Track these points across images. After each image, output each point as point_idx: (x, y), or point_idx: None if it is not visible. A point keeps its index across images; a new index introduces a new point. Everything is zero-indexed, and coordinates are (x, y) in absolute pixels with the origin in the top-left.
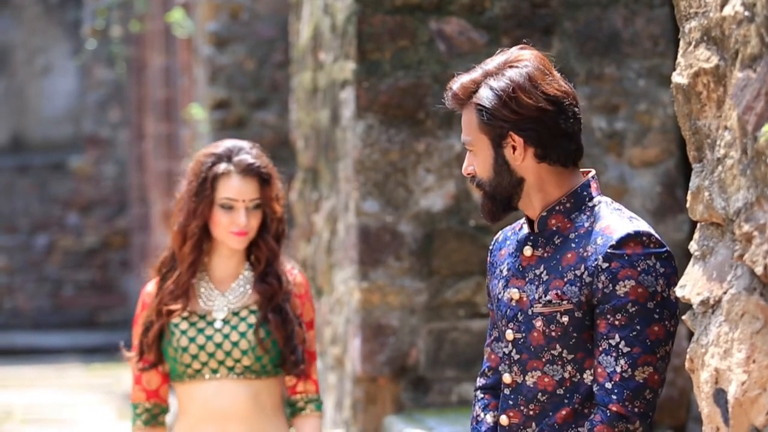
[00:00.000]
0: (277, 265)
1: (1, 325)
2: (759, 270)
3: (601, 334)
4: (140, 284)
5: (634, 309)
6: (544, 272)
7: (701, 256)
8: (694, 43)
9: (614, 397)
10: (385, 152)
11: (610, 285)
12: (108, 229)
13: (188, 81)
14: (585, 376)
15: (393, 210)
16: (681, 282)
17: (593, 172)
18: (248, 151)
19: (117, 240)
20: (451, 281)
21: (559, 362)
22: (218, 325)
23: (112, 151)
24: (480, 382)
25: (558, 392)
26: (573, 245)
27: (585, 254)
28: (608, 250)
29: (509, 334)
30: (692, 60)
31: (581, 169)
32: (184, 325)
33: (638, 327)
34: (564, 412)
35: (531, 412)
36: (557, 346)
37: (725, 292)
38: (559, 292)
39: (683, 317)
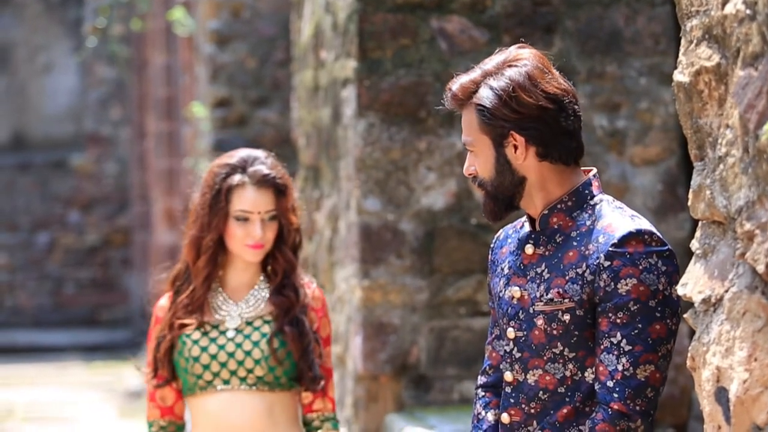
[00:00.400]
0: (294, 277)
1: (2, 323)
2: (761, 268)
3: (602, 332)
4: (141, 282)
5: (635, 307)
6: (546, 270)
7: (703, 255)
8: (695, 41)
9: (616, 395)
10: (387, 150)
11: (612, 283)
12: (109, 227)
13: (189, 79)
14: (586, 374)
15: (394, 208)
16: (682, 280)
17: (594, 170)
18: (263, 161)
19: (118, 238)
20: (452, 279)
21: (561, 360)
22: (231, 334)
23: (113, 149)
24: (481, 380)
25: (559, 390)
26: (574, 243)
27: (586, 252)
28: (610, 249)
29: (510, 333)
30: (694, 58)
31: (582, 168)
32: (196, 335)
33: (640, 325)
34: (565, 411)
35: (532, 411)
36: (558, 344)
37: (727, 291)
38: (560, 290)
39: (685, 315)
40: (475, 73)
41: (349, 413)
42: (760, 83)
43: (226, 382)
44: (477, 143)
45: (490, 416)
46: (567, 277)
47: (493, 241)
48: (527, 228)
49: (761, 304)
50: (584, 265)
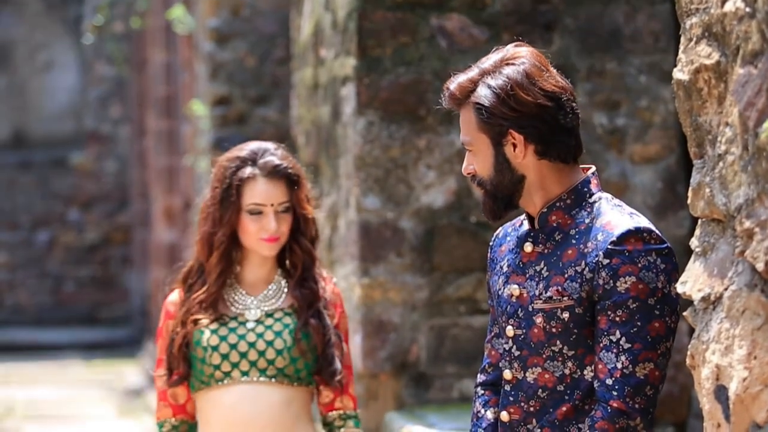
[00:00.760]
0: (314, 270)
1: (2, 321)
2: (760, 266)
3: (601, 330)
4: (141, 280)
5: (634, 305)
6: (545, 268)
7: (702, 253)
8: (695, 39)
9: (615, 393)
10: (386, 148)
11: (611, 281)
12: (109, 225)
13: (189, 77)
14: (585, 372)
15: (394, 206)
16: (682, 278)
17: (593, 168)
18: (273, 153)
19: (118, 236)
20: (452, 277)
21: (560, 358)
22: (251, 325)
23: (113, 147)
24: (480, 378)
25: (558, 388)
26: (573, 241)
27: (585, 250)
28: (609, 246)
29: (509, 331)
30: (693, 56)
31: (581, 166)
32: (214, 325)
33: (639, 323)
34: (564, 409)
35: (531, 409)
36: (558, 342)
37: (726, 289)
38: (559, 288)
39: (684, 313)
40: (472, 72)
41: None
42: (760, 81)
43: (245, 373)
44: (476, 142)
45: (490, 414)
46: (566, 275)
47: (493, 239)
48: (526, 226)
49: (761, 302)
50: (583, 263)
